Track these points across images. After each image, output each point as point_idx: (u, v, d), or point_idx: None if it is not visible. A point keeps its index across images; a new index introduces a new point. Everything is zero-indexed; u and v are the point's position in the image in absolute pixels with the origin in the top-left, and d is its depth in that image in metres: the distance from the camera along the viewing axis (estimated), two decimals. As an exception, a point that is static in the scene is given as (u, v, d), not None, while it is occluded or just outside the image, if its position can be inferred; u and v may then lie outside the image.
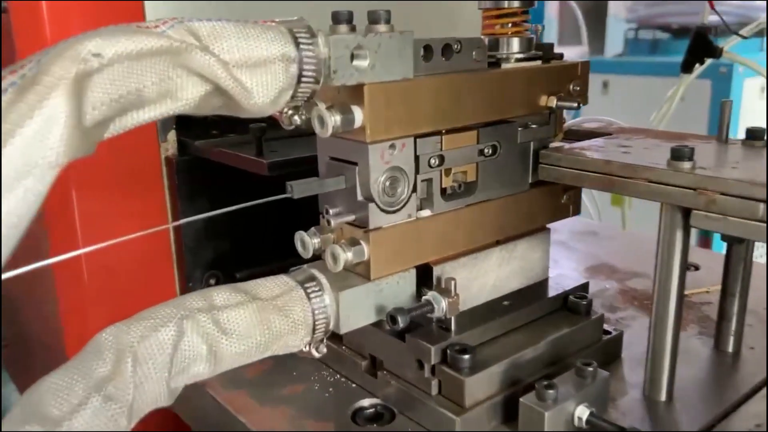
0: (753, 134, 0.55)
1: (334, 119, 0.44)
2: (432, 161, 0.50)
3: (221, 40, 0.37)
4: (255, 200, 0.46)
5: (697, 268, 0.79)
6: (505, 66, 0.55)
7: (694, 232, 0.60)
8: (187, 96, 0.36)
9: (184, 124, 0.70)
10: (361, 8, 0.46)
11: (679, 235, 0.50)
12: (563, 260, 0.84)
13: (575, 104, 0.56)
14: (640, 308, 0.70)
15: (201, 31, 0.37)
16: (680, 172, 0.47)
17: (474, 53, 0.52)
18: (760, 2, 1.75)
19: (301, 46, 0.40)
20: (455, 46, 0.51)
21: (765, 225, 0.43)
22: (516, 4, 0.56)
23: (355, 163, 0.48)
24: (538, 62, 0.57)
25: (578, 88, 0.59)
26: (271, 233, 0.74)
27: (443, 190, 0.52)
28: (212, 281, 0.74)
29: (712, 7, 0.86)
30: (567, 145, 0.58)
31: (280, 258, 0.64)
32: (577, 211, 0.63)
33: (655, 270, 0.52)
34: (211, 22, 0.37)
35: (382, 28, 0.45)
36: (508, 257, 0.58)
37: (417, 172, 0.50)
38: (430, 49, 0.49)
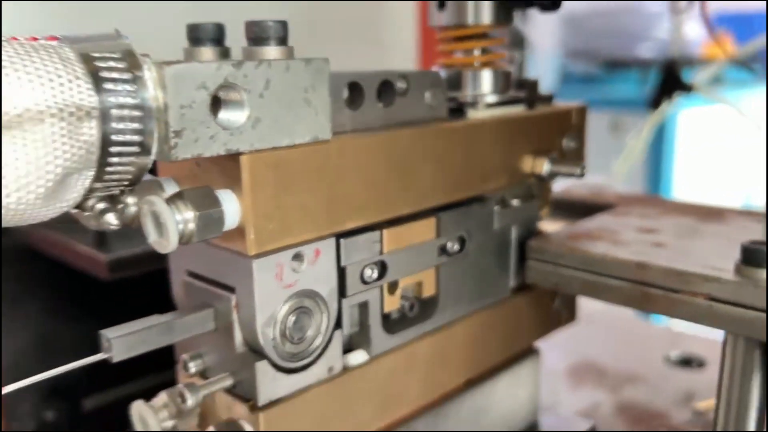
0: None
1: (183, 221, 0.23)
2: (367, 273, 0.30)
3: None
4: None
5: (701, 364, 0.62)
6: (473, 114, 0.36)
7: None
8: None
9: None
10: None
11: (756, 380, 0.32)
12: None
13: (577, 170, 0.38)
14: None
15: None
16: (762, 288, 0.29)
17: (428, 95, 0.33)
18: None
19: (108, 87, 0.20)
20: (399, 84, 0.32)
21: None
22: (486, 20, 0.37)
23: (232, 289, 0.27)
24: (520, 108, 0.38)
25: (573, 144, 0.41)
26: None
27: (386, 317, 0.32)
28: (49, 414, 0.52)
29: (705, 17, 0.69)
30: (565, 231, 0.39)
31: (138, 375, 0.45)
32: (571, 318, 0.44)
33: (715, 424, 0.33)
34: None
35: (272, 51, 0.25)
36: (486, 405, 0.38)
37: (342, 294, 0.30)
38: (358, 89, 0.30)
